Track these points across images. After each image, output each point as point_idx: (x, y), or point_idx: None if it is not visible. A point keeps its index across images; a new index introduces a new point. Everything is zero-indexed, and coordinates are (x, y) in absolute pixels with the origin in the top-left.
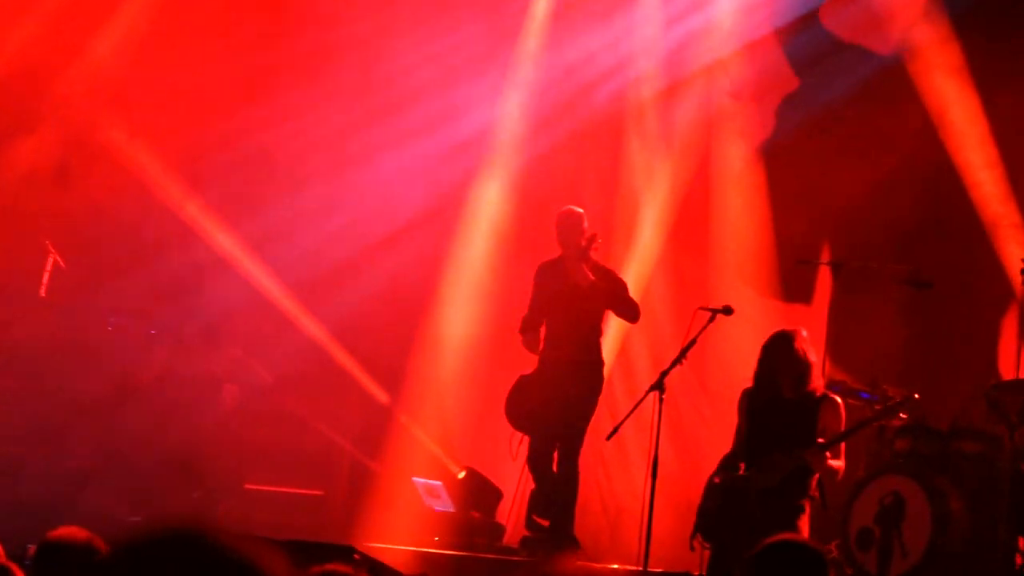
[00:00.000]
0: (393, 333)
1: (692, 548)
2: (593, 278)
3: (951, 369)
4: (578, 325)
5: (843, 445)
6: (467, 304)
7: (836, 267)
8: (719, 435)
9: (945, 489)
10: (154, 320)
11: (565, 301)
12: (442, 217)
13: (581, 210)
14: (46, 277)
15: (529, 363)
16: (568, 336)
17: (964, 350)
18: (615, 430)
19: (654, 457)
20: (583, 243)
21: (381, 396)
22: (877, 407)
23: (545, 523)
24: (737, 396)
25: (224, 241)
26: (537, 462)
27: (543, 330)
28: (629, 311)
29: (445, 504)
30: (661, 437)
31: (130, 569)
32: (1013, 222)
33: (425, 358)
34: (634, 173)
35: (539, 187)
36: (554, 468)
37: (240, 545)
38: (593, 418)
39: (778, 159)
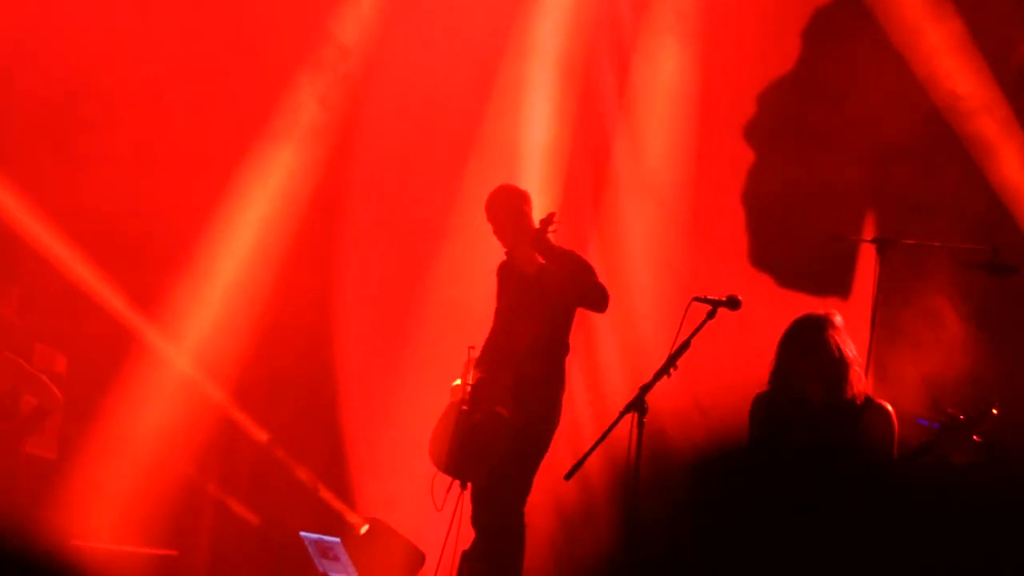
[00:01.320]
0: (263, 335)
1: None
2: (542, 261)
3: None
4: (527, 328)
5: None
6: (367, 295)
7: (884, 245)
8: None
9: None
10: None
11: (510, 299)
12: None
13: (524, 189)
14: None
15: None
16: (513, 344)
17: None
18: (576, 467)
19: (632, 500)
20: (537, 227)
21: (251, 426)
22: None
23: None
24: (742, 411)
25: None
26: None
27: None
28: (595, 296)
29: (344, 568)
30: (642, 473)
31: None
32: None
33: (310, 369)
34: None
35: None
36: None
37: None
38: (548, 452)
39: (798, 88)
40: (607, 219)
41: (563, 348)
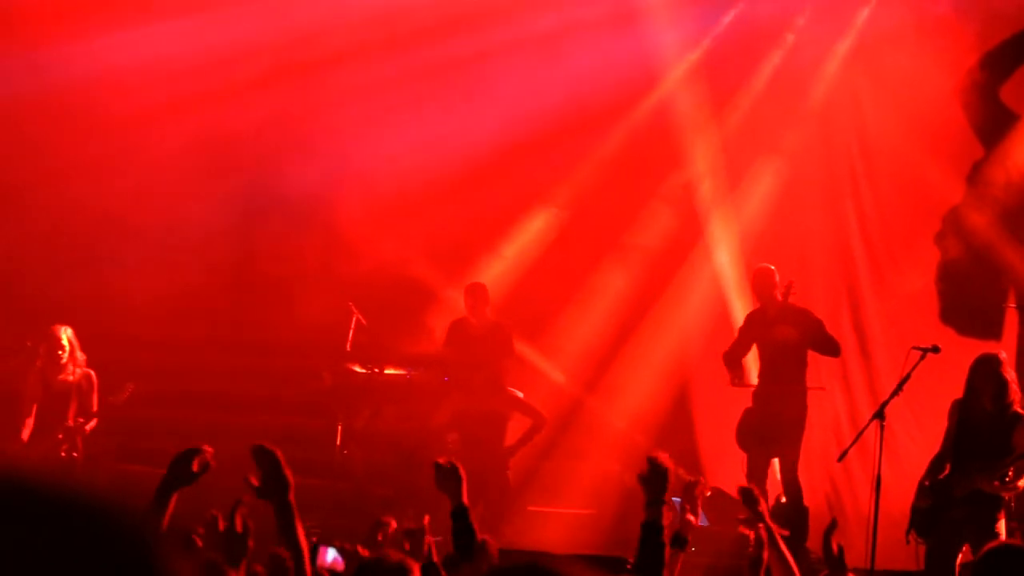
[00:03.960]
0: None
1: (908, 542)
2: (795, 335)
3: None
4: (786, 363)
5: None
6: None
7: (1022, 309)
8: (927, 452)
9: None
10: (448, 369)
11: (775, 346)
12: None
13: (772, 267)
14: (351, 333)
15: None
16: (779, 372)
17: None
18: (844, 453)
19: (878, 474)
20: (781, 296)
21: (639, 436)
22: None
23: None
24: (940, 415)
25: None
26: (755, 475)
27: (758, 366)
28: (830, 349)
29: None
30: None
31: None
32: None
33: (667, 390)
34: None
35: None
36: (769, 482)
37: None
38: (819, 442)
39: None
40: (855, 298)
41: (806, 365)
